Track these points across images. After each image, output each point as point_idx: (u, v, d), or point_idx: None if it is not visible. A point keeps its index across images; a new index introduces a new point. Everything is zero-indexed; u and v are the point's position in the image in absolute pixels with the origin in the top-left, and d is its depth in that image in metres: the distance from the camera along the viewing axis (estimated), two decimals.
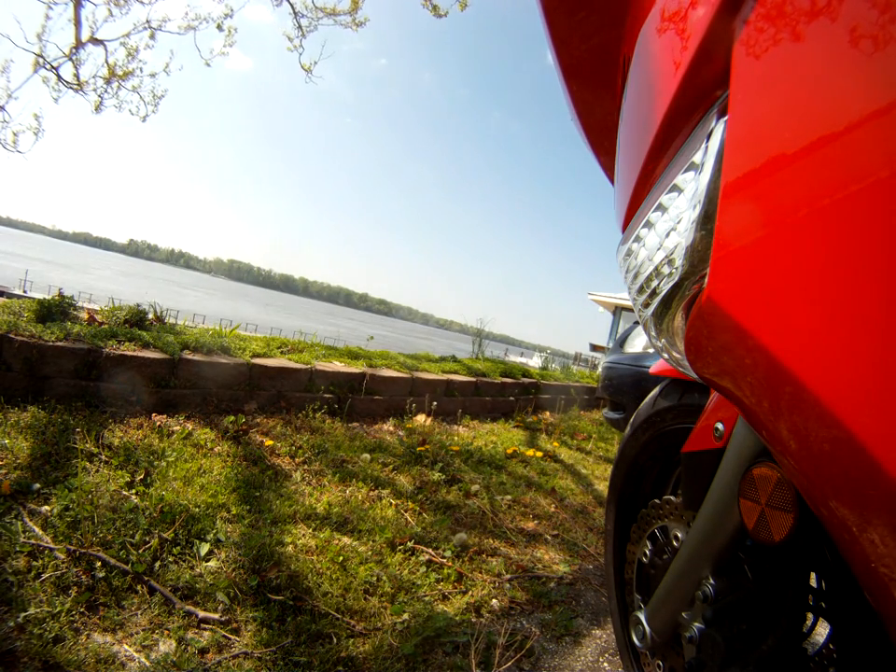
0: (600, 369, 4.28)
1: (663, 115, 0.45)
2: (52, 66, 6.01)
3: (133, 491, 1.46)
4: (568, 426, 3.95)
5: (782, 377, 0.34)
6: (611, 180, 0.70)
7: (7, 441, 1.52)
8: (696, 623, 0.65)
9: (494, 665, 1.21)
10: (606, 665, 1.30)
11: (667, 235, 0.46)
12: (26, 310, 2.09)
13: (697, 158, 0.42)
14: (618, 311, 17.87)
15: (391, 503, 1.86)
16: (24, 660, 0.90)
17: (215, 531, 1.39)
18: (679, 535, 0.77)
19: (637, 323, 2.77)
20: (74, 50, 6.00)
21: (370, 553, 1.52)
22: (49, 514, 1.26)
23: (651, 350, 2.87)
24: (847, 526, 0.32)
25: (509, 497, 2.22)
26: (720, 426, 0.66)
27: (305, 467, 2.02)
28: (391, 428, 2.79)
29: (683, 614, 0.68)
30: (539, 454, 2.94)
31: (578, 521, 2.19)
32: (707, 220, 0.41)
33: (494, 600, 1.46)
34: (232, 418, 2.21)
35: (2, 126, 6.33)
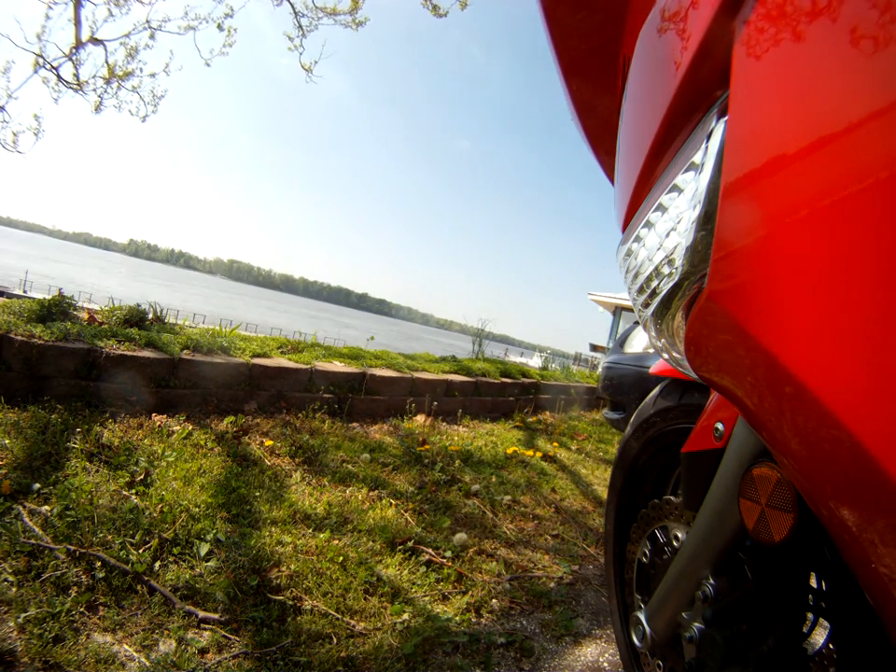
0: (600, 369, 4.28)
1: (663, 115, 0.45)
2: (52, 66, 6.01)
3: (133, 491, 1.46)
4: (568, 426, 3.95)
5: (782, 377, 0.34)
6: (611, 180, 0.70)
7: (7, 441, 1.52)
8: (696, 623, 0.65)
9: (494, 664, 1.21)
10: (606, 665, 1.30)
11: (667, 235, 0.46)
12: (26, 310, 2.09)
13: (697, 158, 0.42)
14: (618, 311, 17.88)
15: (391, 503, 1.86)
16: (24, 660, 0.90)
17: (215, 531, 1.39)
18: (679, 535, 0.77)
19: (636, 323, 2.77)
20: (74, 50, 6.00)
21: (370, 553, 1.52)
22: (48, 514, 1.26)
23: (651, 350, 2.87)
24: (846, 526, 0.32)
25: (508, 497, 2.22)
26: (720, 426, 0.66)
27: (305, 467, 2.02)
28: (391, 429, 2.79)
29: (683, 614, 0.68)
30: (539, 454, 2.94)
31: (578, 521, 2.19)
32: (707, 220, 0.41)
33: (494, 600, 1.46)
34: (232, 418, 2.21)
35: (2, 126, 6.34)
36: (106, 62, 6.40)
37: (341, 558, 1.43)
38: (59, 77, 6.12)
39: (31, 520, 1.23)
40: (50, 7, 5.69)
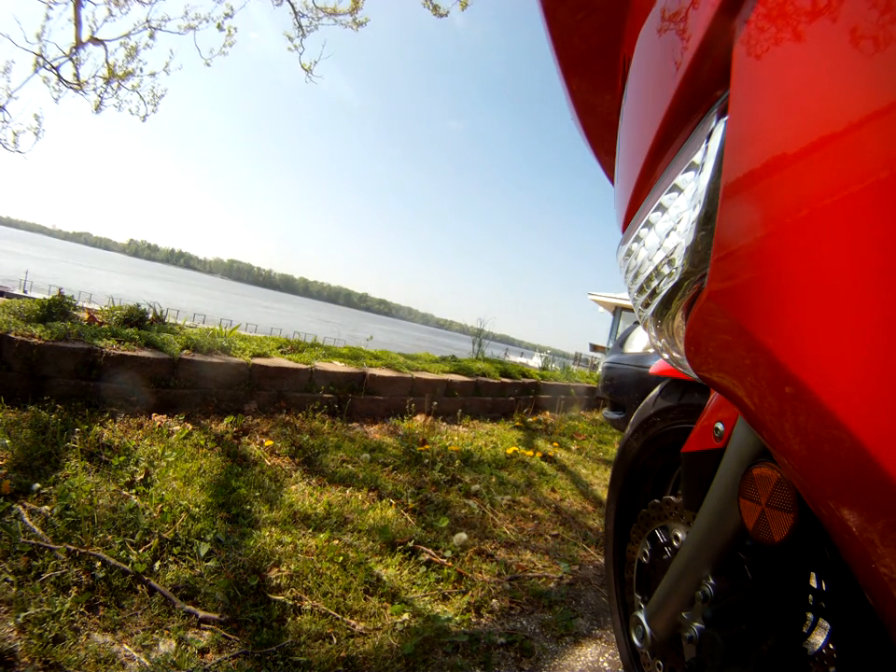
0: (600, 369, 4.28)
1: (663, 115, 0.45)
2: (52, 66, 6.01)
3: (133, 491, 1.46)
4: (568, 426, 3.95)
5: (782, 377, 0.34)
6: (611, 180, 0.70)
7: (7, 441, 1.52)
8: (696, 623, 0.65)
9: (494, 664, 1.21)
10: (606, 665, 1.30)
11: (667, 235, 0.46)
12: (26, 310, 2.09)
13: (697, 158, 0.42)
14: (618, 311, 17.88)
15: (391, 503, 1.86)
16: (24, 660, 0.90)
17: (214, 531, 1.39)
18: (679, 535, 0.77)
19: (636, 323, 2.77)
20: (74, 50, 6.00)
21: (370, 553, 1.52)
22: (48, 514, 1.26)
23: (651, 350, 2.87)
24: (846, 526, 0.32)
25: (508, 497, 2.22)
26: (720, 426, 0.66)
27: (305, 467, 2.02)
28: (391, 429, 2.79)
29: (683, 614, 0.68)
30: (539, 454, 2.94)
31: (577, 521, 2.19)
32: (707, 220, 0.41)
33: (494, 600, 1.46)
34: (232, 418, 2.21)
35: (2, 126, 6.34)
36: (106, 61, 6.40)
37: (340, 558, 1.43)
38: (59, 76, 6.12)
39: (31, 520, 1.23)
40: (50, 7, 5.69)
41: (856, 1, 0.29)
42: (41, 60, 5.92)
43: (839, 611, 0.62)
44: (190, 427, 2.01)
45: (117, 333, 2.17)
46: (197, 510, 1.46)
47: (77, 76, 6.23)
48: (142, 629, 1.05)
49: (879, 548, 0.31)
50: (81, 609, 1.05)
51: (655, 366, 1.04)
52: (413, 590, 1.41)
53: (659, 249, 0.48)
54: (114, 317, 2.40)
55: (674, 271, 0.45)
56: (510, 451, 2.85)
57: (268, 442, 2.10)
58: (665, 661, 0.78)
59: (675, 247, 0.45)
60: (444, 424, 3.14)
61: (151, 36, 6.51)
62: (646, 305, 0.52)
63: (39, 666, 0.90)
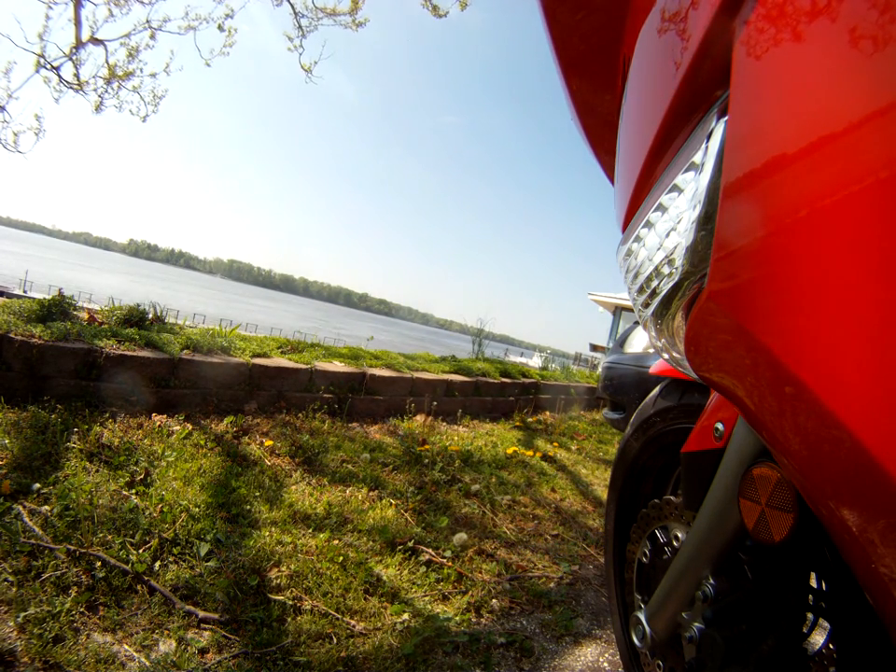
0: (600, 369, 4.28)
1: (663, 115, 0.45)
2: (53, 66, 6.01)
3: (133, 491, 1.46)
4: (568, 426, 3.95)
5: (782, 377, 0.34)
6: (611, 180, 0.70)
7: (7, 441, 1.52)
8: (696, 623, 0.65)
9: (494, 664, 1.21)
10: (606, 665, 1.30)
11: (667, 235, 0.46)
12: (26, 310, 2.09)
13: (697, 158, 0.42)
14: (618, 311, 17.88)
15: (391, 503, 1.86)
16: (24, 660, 0.90)
17: (214, 531, 1.39)
18: (679, 535, 0.77)
19: (636, 323, 2.77)
20: (74, 50, 6.00)
21: (370, 552, 1.52)
22: (48, 514, 1.26)
23: (651, 350, 2.87)
24: (846, 526, 0.32)
25: (508, 497, 2.22)
26: (720, 426, 0.66)
27: (305, 467, 2.02)
28: (391, 429, 2.79)
29: (683, 614, 0.68)
30: (539, 454, 2.94)
31: (577, 521, 2.19)
32: (707, 220, 0.41)
33: (494, 600, 1.46)
34: (232, 418, 2.21)
35: (3, 126, 6.34)
36: (107, 62, 6.40)
37: (340, 558, 1.43)
38: (60, 76, 6.12)
39: (31, 520, 1.23)
40: (50, 7, 5.69)
41: (856, 1, 0.29)
42: (42, 60, 5.92)
43: (839, 611, 0.62)
44: (190, 427, 2.00)
45: (117, 333, 2.17)
46: (197, 510, 1.46)
47: (77, 76, 6.23)
48: (142, 629, 1.05)
49: (879, 548, 0.31)
50: (81, 609, 1.05)
51: (655, 366, 1.05)
52: (413, 590, 1.41)
53: (659, 249, 0.48)
54: (114, 317, 2.40)
55: (674, 271, 0.45)
56: (510, 451, 2.85)
57: (268, 442, 2.10)
58: (665, 661, 0.78)
59: (675, 247, 0.45)
60: (444, 424, 3.14)
61: (152, 37, 6.51)
62: (646, 305, 0.52)
63: (39, 666, 0.90)
